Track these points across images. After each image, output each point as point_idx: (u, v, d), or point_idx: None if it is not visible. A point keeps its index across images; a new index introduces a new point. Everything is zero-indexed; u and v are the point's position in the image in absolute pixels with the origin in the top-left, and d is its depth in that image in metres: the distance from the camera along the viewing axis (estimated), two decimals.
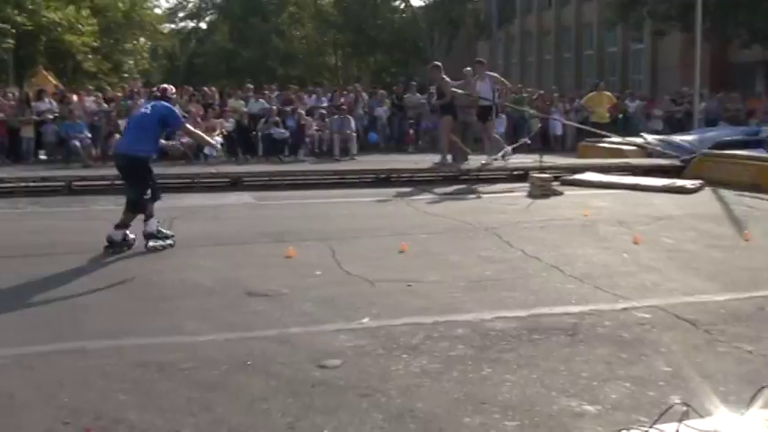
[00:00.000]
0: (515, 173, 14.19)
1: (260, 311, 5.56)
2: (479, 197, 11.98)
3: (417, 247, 7.79)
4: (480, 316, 5.41)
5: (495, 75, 14.97)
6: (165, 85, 8.34)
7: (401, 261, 7.21)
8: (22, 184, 12.69)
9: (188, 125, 8.61)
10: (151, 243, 7.66)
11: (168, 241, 7.81)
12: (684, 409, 3.02)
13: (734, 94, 24.52)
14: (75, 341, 4.86)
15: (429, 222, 9.35)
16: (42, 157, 18.70)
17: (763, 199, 11.44)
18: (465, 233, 8.60)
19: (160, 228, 7.85)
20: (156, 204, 10.83)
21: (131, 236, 7.67)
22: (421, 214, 10.04)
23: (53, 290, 6.23)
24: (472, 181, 13.88)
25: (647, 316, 5.40)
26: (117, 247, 7.54)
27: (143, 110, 7.94)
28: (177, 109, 8.46)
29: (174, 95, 8.49)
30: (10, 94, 19.89)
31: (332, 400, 3.92)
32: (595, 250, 7.67)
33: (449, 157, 14.69)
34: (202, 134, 9.26)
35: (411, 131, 22.16)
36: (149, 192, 7.79)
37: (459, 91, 14.60)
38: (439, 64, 15.16)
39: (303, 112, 19.82)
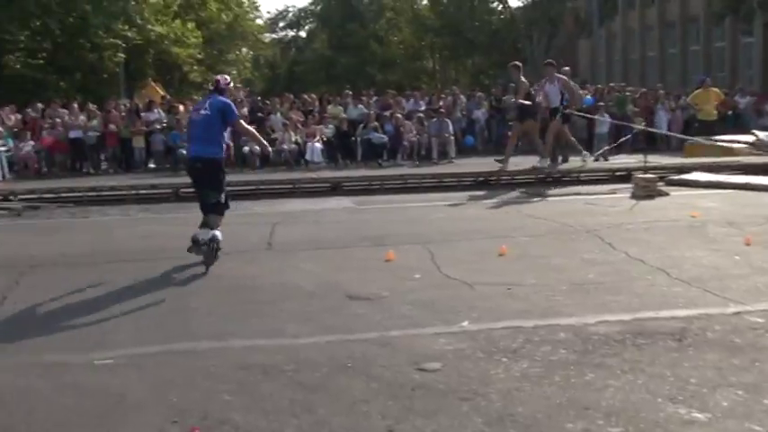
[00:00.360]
0: (618, 173, 13.86)
1: (360, 314, 5.61)
2: (581, 199, 11.75)
3: (517, 249, 7.69)
4: (583, 320, 5.30)
5: (566, 79, 14.57)
6: (219, 76, 8.06)
7: (501, 264, 7.14)
8: (133, 192, 13.24)
9: (243, 122, 8.26)
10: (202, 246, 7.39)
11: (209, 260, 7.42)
12: None
13: None
14: (183, 342, 5.04)
15: (529, 225, 9.23)
16: (152, 165, 19.45)
17: None
18: (566, 235, 8.44)
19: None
20: (258, 208, 11.12)
21: (220, 237, 7.38)
22: (521, 216, 9.92)
23: (163, 293, 6.47)
24: (573, 182, 13.64)
25: (760, 320, 5.17)
26: (197, 246, 7.28)
27: (203, 111, 7.63)
28: (232, 103, 7.98)
29: (229, 86, 8.05)
30: (122, 106, 20.78)
31: (432, 404, 3.92)
32: (704, 252, 7.39)
33: (548, 161, 14.47)
34: (256, 134, 8.79)
35: (510, 133, 21.89)
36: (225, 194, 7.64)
37: (512, 99, 14.42)
38: (518, 64, 14.94)
39: (401, 116, 19.91)
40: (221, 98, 7.66)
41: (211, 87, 7.97)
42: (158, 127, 19.14)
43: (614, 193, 12.07)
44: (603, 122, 18.53)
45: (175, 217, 11.14)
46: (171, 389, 4.20)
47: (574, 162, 14.90)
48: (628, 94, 22.92)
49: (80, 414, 3.91)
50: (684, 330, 4.98)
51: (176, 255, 7.46)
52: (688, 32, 44.59)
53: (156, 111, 19.64)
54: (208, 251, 7.24)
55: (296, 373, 4.38)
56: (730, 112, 21.97)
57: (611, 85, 25.36)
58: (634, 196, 11.40)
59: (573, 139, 15.25)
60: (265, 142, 9.24)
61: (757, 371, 4.24)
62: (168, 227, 10.14)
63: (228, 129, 8.21)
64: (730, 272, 6.57)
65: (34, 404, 4.03)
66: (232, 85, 8.25)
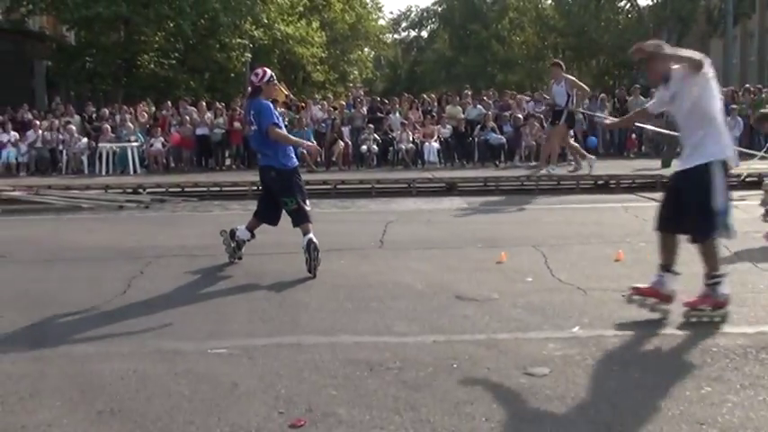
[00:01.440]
0: (747, 179, 13.19)
1: (468, 315, 5.57)
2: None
3: (635, 255, 7.46)
4: (700, 330, 5.08)
5: (573, 78, 13.93)
6: (253, 74, 7.40)
7: (617, 270, 6.94)
8: (254, 188, 13.62)
9: (276, 129, 7.10)
10: (228, 237, 7.57)
11: (232, 258, 7.60)
12: None
13: None
14: (293, 336, 5.15)
15: (647, 230, 8.82)
16: None
17: None
18: (685, 243, 8.09)
19: (242, 243, 7.55)
20: (373, 206, 11.23)
21: (315, 240, 7.04)
22: (640, 221, 9.59)
23: (275, 287, 6.63)
24: None
25: None
26: (231, 237, 7.52)
27: (254, 127, 7.20)
28: (270, 105, 7.25)
29: (267, 81, 7.22)
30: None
31: (537, 409, 3.85)
32: None
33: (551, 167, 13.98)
34: (294, 138, 7.81)
35: (633, 136, 21.28)
36: (304, 199, 7.26)
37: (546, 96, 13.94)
38: (559, 62, 14.45)
39: (520, 117, 19.66)
40: (258, 101, 7.17)
41: (250, 89, 7.46)
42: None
43: (743, 199, 11.50)
44: (735, 126, 17.67)
45: None
46: (279, 380, 4.29)
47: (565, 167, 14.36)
48: (764, 95, 21.79)
49: (194, 400, 4.06)
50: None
51: (290, 250, 7.62)
52: None
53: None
54: (309, 257, 6.98)
55: (401, 371, 4.39)
56: None
57: (747, 86, 24.16)
58: (763, 203, 10.81)
59: (576, 144, 14.58)
60: (305, 142, 8.36)
61: None
62: (283, 223, 10.35)
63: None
64: None
65: (152, 390, 4.21)
66: (270, 77, 7.29)
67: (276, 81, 7.52)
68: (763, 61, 48.00)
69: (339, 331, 5.23)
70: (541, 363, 4.50)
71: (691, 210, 5.33)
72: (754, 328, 5.11)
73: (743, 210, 10.48)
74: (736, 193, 12.12)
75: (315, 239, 6.96)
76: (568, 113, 13.80)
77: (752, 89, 22.74)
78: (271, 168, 7.23)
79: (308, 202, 7.34)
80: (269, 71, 7.34)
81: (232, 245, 7.62)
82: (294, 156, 7.37)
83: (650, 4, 41.31)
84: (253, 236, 7.63)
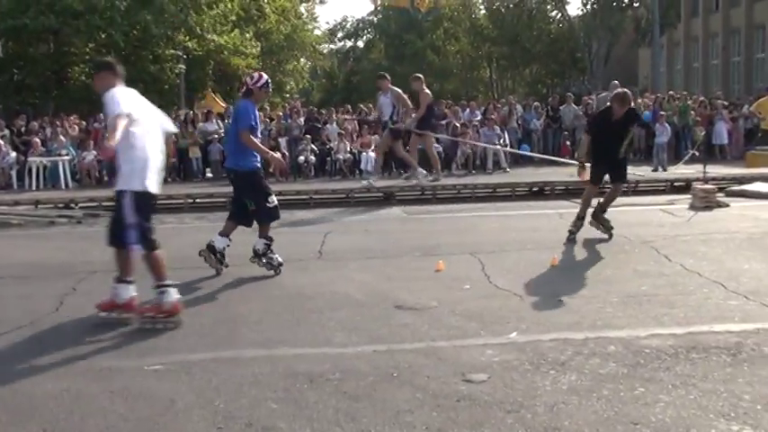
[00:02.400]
0: (676, 184, 13.58)
1: (408, 324, 5.59)
2: (637, 210, 11.54)
3: (569, 260, 7.62)
4: (634, 333, 5.21)
5: (399, 92, 13.86)
6: (248, 76, 7.47)
7: (552, 275, 7.07)
8: (189, 201, 13.47)
9: (249, 134, 7.12)
10: (256, 260, 7.41)
11: (271, 271, 7.41)
12: None
13: None
14: (231, 350, 5.09)
15: (582, 236, 9.10)
16: (209, 175, 19.76)
17: None
18: (620, 246, 8.31)
19: (271, 253, 7.44)
20: (311, 217, 11.22)
21: (276, 256, 7.37)
22: None
23: (213, 300, 6.57)
24: (630, 193, 13.41)
25: None
26: (259, 258, 7.38)
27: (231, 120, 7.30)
28: (254, 109, 7.26)
29: (260, 87, 7.24)
30: (181, 117, 21.17)
31: (476, 415, 3.89)
32: (763, 265, 7.19)
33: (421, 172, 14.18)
34: (263, 147, 7.66)
35: (567, 143, 21.70)
36: (271, 199, 7.34)
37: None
38: (420, 76, 14.49)
39: (459, 126, 19.84)
40: (244, 102, 7.29)
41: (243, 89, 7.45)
42: (216, 137, 19.43)
43: (672, 203, 11.85)
44: (663, 132, 18.17)
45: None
46: (217, 395, 4.25)
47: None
48: (689, 103, 22.48)
49: (130, 419, 3.98)
50: (739, 345, 4.85)
51: (228, 262, 7.55)
52: (754, 39, 43.56)
53: (213, 121, 19.96)
54: (261, 262, 7.35)
55: (341, 382, 4.39)
56: None
57: (671, 93, 24.88)
58: (692, 207, 11.17)
59: (407, 155, 14.62)
60: (274, 154, 8.18)
61: None
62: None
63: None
64: None
65: (87, 409, 4.12)
66: (265, 83, 7.32)
67: (270, 90, 7.55)
68: (688, 69, 49.54)
69: (278, 344, 5.20)
70: (480, 369, 4.55)
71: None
72: (684, 328, 5.26)
73: (672, 213, 10.80)
74: (665, 197, 12.54)
75: (261, 246, 7.27)
76: (393, 124, 13.70)
77: (677, 96, 23.42)
78: (230, 170, 7.44)
79: (272, 200, 7.35)
80: (266, 77, 7.40)
81: (214, 259, 7.48)
82: (256, 158, 7.34)
83: (580, 14, 42.25)
84: (229, 241, 7.55)
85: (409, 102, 14.01)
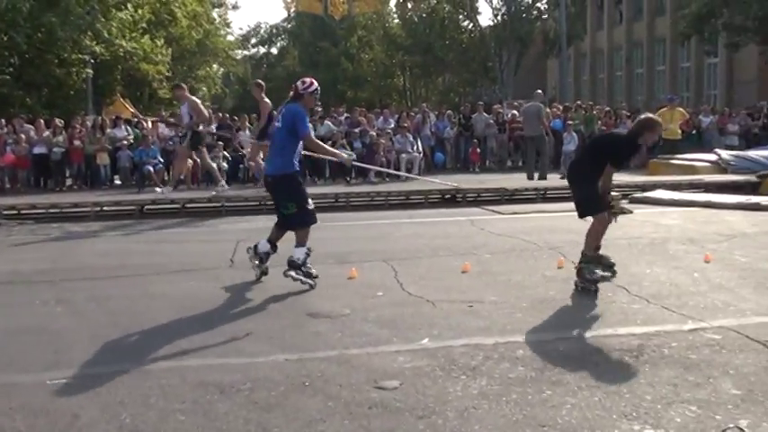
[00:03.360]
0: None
1: (320, 332, 5.57)
2: (545, 216, 11.80)
3: (480, 267, 7.72)
4: (542, 337, 5.32)
5: (194, 100, 13.78)
6: (300, 81, 7.34)
7: (463, 281, 7.15)
8: (96, 209, 13.10)
9: (314, 138, 7.45)
10: (292, 273, 7.05)
11: (309, 281, 7.06)
12: None
13: None
14: (139, 361, 4.96)
15: (493, 242, 9.26)
16: (117, 182, 19.27)
17: None
18: (529, 253, 8.48)
19: (308, 264, 7.20)
20: (224, 225, 11.06)
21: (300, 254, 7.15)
22: (485, 234, 9.95)
23: (119, 311, 6.38)
24: (539, 200, 13.74)
25: (716, 337, 5.22)
26: (296, 268, 7.05)
27: (277, 124, 7.29)
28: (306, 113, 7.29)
29: (310, 91, 7.21)
30: (88, 122, 20.58)
31: (388, 422, 3.90)
32: (664, 269, 7.47)
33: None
34: (329, 148, 8.21)
35: (477, 150, 22.09)
36: (310, 202, 7.28)
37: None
38: (261, 82, 14.47)
39: (374, 133, 19.92)
40: (295, 107, 7.17)
41: (291, 94, 7.34)
42: (125, 143, 18.96)
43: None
44: (570, 140, 18.70)
45: (139, 234, 11.04)
46: (123, 409, 4.13)
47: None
48: (595, 112, 23.20)
49: None
50: (641, 347, 5.01)
51: (135, 272, 7.38)
52: (655, 52, 45.33)
53: (122, 127, 19.47)
54: (298, 273, 7.05)
55: (252, 392, 4.34)
56: (694, 131, 22.28)
57: (578, 103, 25.64)
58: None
59: (213, 164, 14.76)
60: (340, 153, 8.51)
61: (711, 387, 4.27)
62: (131, 244, 10.03)
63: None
64: (689, 289, 6.64)
65: None
66: (315, 89, 7.31)
67: (318, 96, 7.45)
68: (595, 80, 51.15)
69: (187, 354, 5.10)
70: (392, 376, 4.56)
71: None
72: (590, 332, 5.42)
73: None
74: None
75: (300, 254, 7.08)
76: (193, 134, 13.50)
77: (584, 106, 24.15)
78: (272, 176, 7.28)
79: (311, 203, 7.30)
80: (315, 83, 7.35)
81: (255, 260, 7.37)
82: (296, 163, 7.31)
83: (491, 24, 43.07)
84: (274, 248, 7.40)
85: (205, 112, 13.90)
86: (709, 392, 4.20)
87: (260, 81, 14.60)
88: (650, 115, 7.30)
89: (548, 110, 21.03)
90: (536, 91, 18.73)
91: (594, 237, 6.86)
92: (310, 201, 7.30)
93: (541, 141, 17.16)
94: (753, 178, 14.63)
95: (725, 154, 16.93)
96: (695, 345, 5.06)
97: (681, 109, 20.26)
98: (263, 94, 13.93)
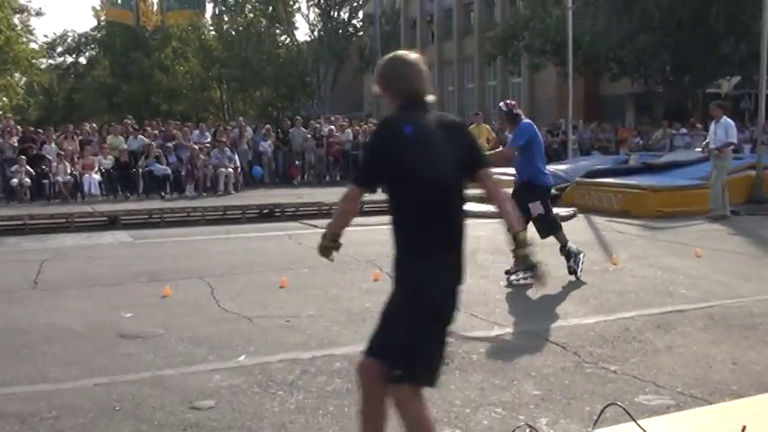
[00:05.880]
0: None
1: (132, 354, 5.38)
2: (363, 230, 12.00)
3: (298, 281, 7.75)
4: (358, 348, 5.36)
5: None
6: (511, 104, 8.20)
7: (281, 296, 7.16)
8: None
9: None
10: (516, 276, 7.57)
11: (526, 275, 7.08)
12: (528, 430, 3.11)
13: (605, 125, 25.83)
14: None
15: (310, 256, 9.27)
16: None
17: (631, 224, 12.00)
18: (347, 266, 8.61)
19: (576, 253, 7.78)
20: (26, 244, 10.45)
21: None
22: (303, 248, 9.99)
23: None
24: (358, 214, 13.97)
25: (519, 341, 5.54)
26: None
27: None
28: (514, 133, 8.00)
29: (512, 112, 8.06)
30: None
31: None
32: (473, 279, 7.79)
33: None
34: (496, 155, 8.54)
35: (296, 163, 22.17)
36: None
37: None
38: None
39: (195, 147, 19.41)
40: (527, 124, 7.88)
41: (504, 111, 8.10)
42: None
43: None
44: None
45: None
46: None
47: None
48: None
49: None
50: (452, 354, 5.20)
51: None
52: (464, 71, 47.47)
53: None
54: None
55: (57, 421, 4.12)
56: (500, 147, 23.51)
57: None
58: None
59: None
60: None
61: (515, 389, 4.54)
62: None
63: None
64: (495, 296, 7.02)
65: None
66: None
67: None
68: None
69: None
70: (207, 395, 4.49)
71: None
72: None
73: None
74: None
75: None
76: None
77: None
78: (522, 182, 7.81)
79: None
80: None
81: (573, 261, 7.74)
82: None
83: (308, 39, 43.40)
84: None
85: None
86: (513, 394, 4.45)
87: None
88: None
89: None
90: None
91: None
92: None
93: None
94: (553, 191, 15.62)
95: None
96: (501, 349, 5.35)
97: (487, 126, 21.30)
98: None
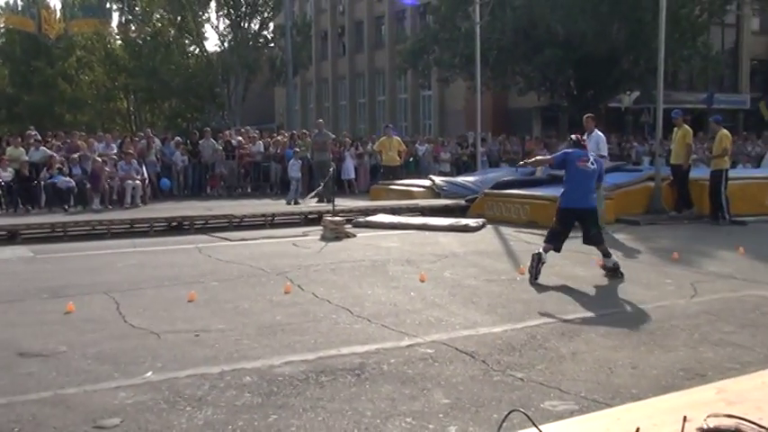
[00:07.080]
0: (310, 216, 14.34)
1: (32, 373, 5.19)
2: (273, 242, 11.95)
3: (207, 295, 7.64)
4: (268, 362, 5.38)
5: None
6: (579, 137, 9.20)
7: (190, 311, 7.03)
8: None
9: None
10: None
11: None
12: None
13: (513, 138, 26.46)
14: None
15: (220, 269, 9.21)
16: None
17: (538, 235, 12.28)
18: (257, 278, 8.54)
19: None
20: None
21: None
22: (213, 261, 9.87)
23: None
24: (267, 226, 13.88)
25: (429, 351, 5.61)
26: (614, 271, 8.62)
27: (591, 165, 8.64)
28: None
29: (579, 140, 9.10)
30: None
31: None
32: (384, 290, 7.88)
33: None
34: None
35: (207, 176, 21.87)
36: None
37: None
38: None
39: (99, 159, 18.88)
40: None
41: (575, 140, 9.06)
42: None
43: (306, 235, 12.48)
44: (294, 166, 19.10)
45: None
46: None
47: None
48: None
49: None
50: (363, 365, 5.25)
51: None
52: (375, 84, 47.84)
53: None
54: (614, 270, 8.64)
55: None
56: (411, 159, 23.84)
57: (304, 131, 26.34)
58: (324, 238, 11.88)
59: None
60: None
61: (425, 399, 4.59)
62: None
63: None
64: (406, 307, 7.06)
65: None
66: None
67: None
68: (320, 107, 52.78)
69: None
70: (112, 413, 4.37)
71: None
72: (315, 353, 5.56)
73: (306, 244, 11.36)
74: (300, 229, 13.17)
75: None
76: None
77: (308, 133, 24.86)
78: (584, 210, 8.74)
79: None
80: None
81: (617, 273, 8.62)
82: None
83: (218, 50, 42.88)
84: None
85: None
86: (423, 404, 4.50)
87: None
88: None
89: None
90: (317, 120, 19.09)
91: None
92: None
93: (327, 167, 17.38)
94: (462, 202, 15.91)
95: (438, 180, 18.27)
96: (411, 360, 5.40)
97: (398, 138, 21.52)
98: None
